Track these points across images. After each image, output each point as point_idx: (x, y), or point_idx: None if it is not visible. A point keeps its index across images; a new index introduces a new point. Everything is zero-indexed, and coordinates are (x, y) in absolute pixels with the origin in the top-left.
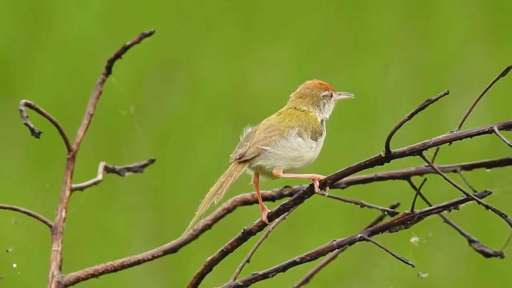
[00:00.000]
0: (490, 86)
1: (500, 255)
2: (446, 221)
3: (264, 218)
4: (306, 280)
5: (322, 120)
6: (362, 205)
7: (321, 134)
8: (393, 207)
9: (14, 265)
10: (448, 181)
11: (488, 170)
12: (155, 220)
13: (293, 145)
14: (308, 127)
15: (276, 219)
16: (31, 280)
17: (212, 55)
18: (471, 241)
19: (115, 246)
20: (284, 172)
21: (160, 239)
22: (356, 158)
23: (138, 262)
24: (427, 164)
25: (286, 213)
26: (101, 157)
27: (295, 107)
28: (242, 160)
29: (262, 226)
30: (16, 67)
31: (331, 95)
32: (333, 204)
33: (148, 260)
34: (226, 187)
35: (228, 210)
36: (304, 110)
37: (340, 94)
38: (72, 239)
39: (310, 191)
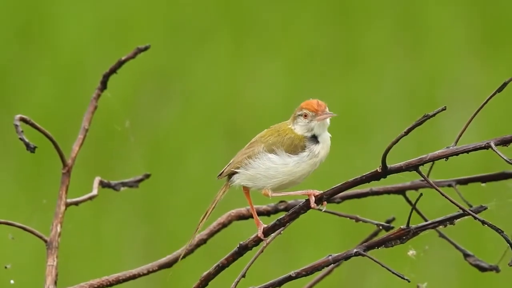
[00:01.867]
0: (486, 102)
1: (496, 269)
2: (441, 235)
3: (260, 234)
4: None
5: (313, 136)
6: (357, 220)
7: (304, 149)
8: (388, 221)
9: (12, 281)
10: (444, 196)
11: (483, 184)
12: (149, 234)
13: (264, 163)
14: (285, 142)
15: (272, 234)
16: None
17: (204, 68)
18: (466, 255)
19: (109, 260)
20: (274, 191)
21: (153, 253)
22: (349, 172)
23: (133, 277)
24: (422, 179)
25: (282, 228)
26: (94, 171)
27: (280, 125)
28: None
29: (258, 241)
30: (10, 82)
31: (305, 115)
32: (328, 219)
33: (144, 275)
34: (210, 211)
35: (224, 225)
36: (289, 126)
37: (320, 117)
38: (66, 254)
39: (306, 206)
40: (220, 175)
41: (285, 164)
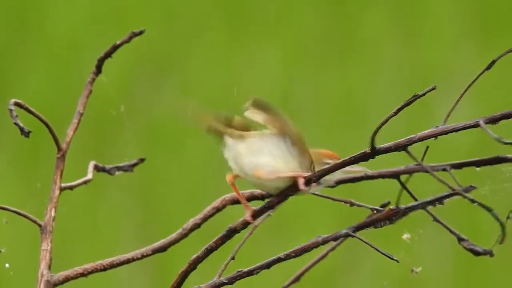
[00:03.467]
0: (474, 81)
1: (490, 253)
2: (435, 219)
3: (248, 217)
4: (297, 279)
5: None
6: (352, 204)
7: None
8: (383, 206)
9: (7, 265)
10: (435, 176)
11: (478, 168)
12: (144, 218)
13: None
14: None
15: (261, 217)
16: (20, 280)
17: (201, 54)
18: (460, 240)
19: (104, 245)
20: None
21: (148, 237)
22: (342, 156)
23: (127, 261)
24: (417, 163)
25: (270, 210)
26: (90, 155)
27: None
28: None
29: (246, 224)
30: (4, 67)
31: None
32: (323, 204)
33: (138, 259)
34: None
35: (218, 209)
36: None
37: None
38: (60, 238)
39: (294, 188)
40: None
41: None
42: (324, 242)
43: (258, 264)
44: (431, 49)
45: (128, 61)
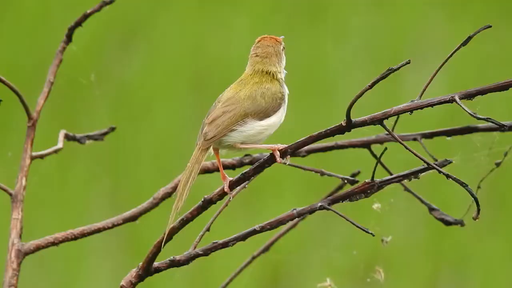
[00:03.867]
0: (450, 56)
1: (461, 223)
2: (406, 189)
3: (226, 188)
4: (266, 249)
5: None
6: (322, 174)
7: (283, 98)
8: (353, 175)
9: None
10: (408, 149)
11: (449, 138)
12: (113, 187)
13: (254, 128)
14: (267, 99)
15: (237, 188)
16: None
17: (170, 21)
18: (431, 209)
19: (74, 214)
20: (243, 143)
21: (118, 206)
22: (314, 126)
23: (98, 230)
24: (387, 133)
25: (247, 181)
26: (59, 124)
27: (260, 70)
28: (207, 144)
29: (222, 195)
30: None
31: (284, 47)
32: (293, 173)
33: (108, 228)
34: (195, 176)
35: None
36: (272, 72)
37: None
38: (31, 207)
39: (271, 160)
40: (212, 137)
41: (274, 122)
42: (300, 215)
43: (234, 236)
44: (400, 15)
45: (97, 28)
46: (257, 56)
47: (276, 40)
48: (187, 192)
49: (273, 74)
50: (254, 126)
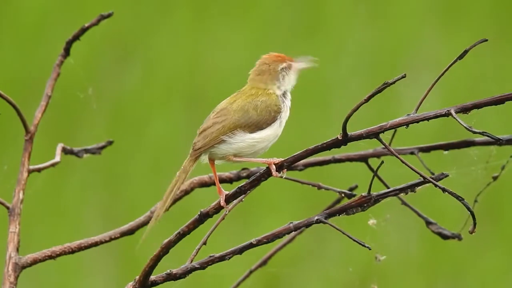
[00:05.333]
0: (447, 69)
1: (458, 237)
2: (403, 203)
3: (222, 202)
4: (264, 262)
5: (284, 92)
6: (320, 187)
7: (279, 112)
8: (350, 189)
9: None
10: (405, 163)
11: (446, 152)
12: (110, 201)
13: (245, 141)
14: (261, 111)
15: (233, 202)
16: None
17: (167, 35)
18: (428, 223)
19: (71, 227)
20: (236, 156)
21: (114, 219)
22: (310, 139)
23: (95, 244)
24: (384, 147)
25: (243, 195)
26: (56, 138)
27: (254, 86)
28: (195, 154)
29: (219, 208)
30: None
31: (290, 66)
32: (291, 186)
33: (106, 241)
34: (179, 185)
35: (186, 192)
36: (263, 88)
37: (300, 63)
38: (27, 220)
39: (267, 173)
40: (199, 148)
41: (267, 135)
42: (296, 228)
43: (231, 250)
44: (396, 29)
45: (95, 42)
46: (253, 72)
47: (278, 58)
48: (170, 200)
49: (264, 90)
50: (244, 139)
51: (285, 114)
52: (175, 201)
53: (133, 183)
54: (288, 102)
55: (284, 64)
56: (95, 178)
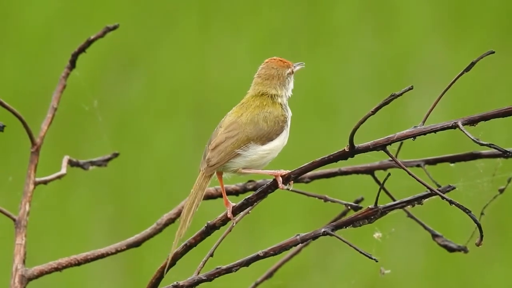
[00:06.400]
0: (454, 82)
1: (464, 249)
2: (410, 215)
3: (229, 214)
4: (270, 275)
5: (287, 98)
6: (326, 200)
7: (286, 121)
8: (357, 201)
9: None
10: (412, 175)
11: (452, 164)
12: (116, 213)
13: (257, 153)
14: (269, 123)
15: (240, 213)
16: None
17: (171, 47)
18: (434, 236)
19: (77, 239)
20: (245, 168)
21: (120, 232)
22: (316, 150)
23: (101, 256)
24: (391, 159)
25: (250, 207)
26: (61, 150)
27: (261, 92)
28: (211, 171)
29: (225, 220)
30: None
31: (292, 71)
32: (297, 199)
33: (112, 253)
34: (198, 203)
35: None
36: (272, 94)
37: (295, 66)
38: (33, 232)
39: (274, 185)
40: (215, 164)
41: (276, 145)
42: (303, 240)
43: (237, 262)
44: (402, 40)
45: (100, 54)
46: (259, 77)
47: (283, 63)
48: (191, 218)
49: (272, 96)
50: (257, 151)
51: (289, 123)
52: (181, 213)
53: (140, 194)
54: (290, 112)
55: (289, 70)
56: (101, 190)
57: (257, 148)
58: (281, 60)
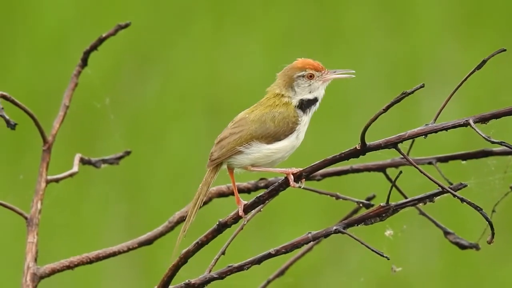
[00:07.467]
0: (465, 79)
1: (476, 247)
2: (421, 213)
3: (241, 212)
4: (282, 273)
5: (302, 101)
6: (338, 197)
7: (297, 123)
8: (368, 199)
9: None
10: (423, 173)
11: (464, 162)
12: (128, 211)
13: (261, 151)
14: (278, 123)
15: (252, 212)
16: (6, 272)
17: (185, 46)
18: (446, 233)
19: (89, 237)
20: (253, 166)
21: (133, 230)
22: (329, 149)
23: (113, 254)
24: (402, 156)
25: (262, 205)
26: (73, 148)
27: (276, 92)
28: (212, 165)
29: (237, 218)
30: None
31: (311, 76)
32: (308, 196)
33: (124, 252)
34: (203, 198)
35: (204, 202)
36: (279, 94)
37: (335, 72)
38: (45, 231)
39: (285, 183)
40: (215, 159)
41: (284, 146)
42: (315, 238)
43: (249, 260)
44: (415, 40)
45: (113, 53)
46: (278, 76)
47: (297, 65)
48: (195, 213)
49: (279, 97)
50: (261, 150)
51: (303, 128)
52: None
53: (152, 193)
54: (308, 116)
55: (303, 73)
56: (114, 188)
57: (261, 146)
58: (302, 62)
